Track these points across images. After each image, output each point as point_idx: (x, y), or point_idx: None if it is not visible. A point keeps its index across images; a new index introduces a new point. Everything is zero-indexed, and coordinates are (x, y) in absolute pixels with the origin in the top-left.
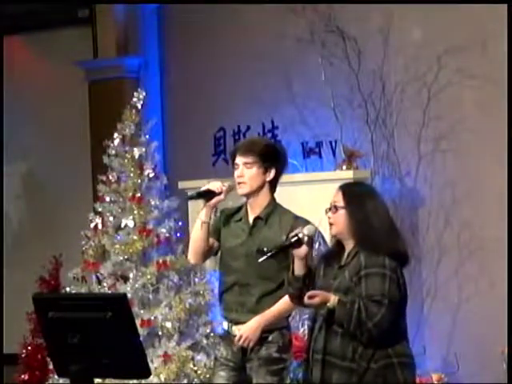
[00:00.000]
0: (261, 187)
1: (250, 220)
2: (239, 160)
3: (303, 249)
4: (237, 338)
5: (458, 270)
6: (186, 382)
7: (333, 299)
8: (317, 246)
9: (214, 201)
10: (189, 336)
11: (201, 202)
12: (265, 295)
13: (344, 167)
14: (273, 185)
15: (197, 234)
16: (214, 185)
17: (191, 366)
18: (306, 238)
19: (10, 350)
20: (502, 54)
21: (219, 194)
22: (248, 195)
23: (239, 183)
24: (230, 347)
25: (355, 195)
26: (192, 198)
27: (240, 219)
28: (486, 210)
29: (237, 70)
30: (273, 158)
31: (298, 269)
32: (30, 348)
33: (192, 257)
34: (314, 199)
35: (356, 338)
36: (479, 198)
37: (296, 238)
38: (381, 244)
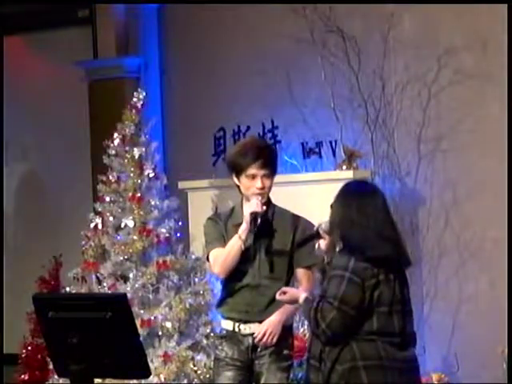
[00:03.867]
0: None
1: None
2: (258, 172)
3: (321, 242)
4: (260, 334)
5: (458, 270)
6: (186, 382)
7: (301, 297)
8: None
9: None
10: (189, 336)
11: (202, 199)
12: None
13: (344, 167)
14: None
15: (236, 252)
16: (253, 206)
17: (191, 365)
18: (321, 232)
19: (10, 349)
20: (502, 54)
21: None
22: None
23: (259, 194)
24: (236, 346)
25: (340, 195)
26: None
27: (241, 223)
28: (486, 210)
29: (237, 69)
30: (277, 164)
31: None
32: (30, 348)
33: (223, 272)
34: (314, 199)
35: None
36: (479, 198)
37: (316, 231)
38: (354, 245)
